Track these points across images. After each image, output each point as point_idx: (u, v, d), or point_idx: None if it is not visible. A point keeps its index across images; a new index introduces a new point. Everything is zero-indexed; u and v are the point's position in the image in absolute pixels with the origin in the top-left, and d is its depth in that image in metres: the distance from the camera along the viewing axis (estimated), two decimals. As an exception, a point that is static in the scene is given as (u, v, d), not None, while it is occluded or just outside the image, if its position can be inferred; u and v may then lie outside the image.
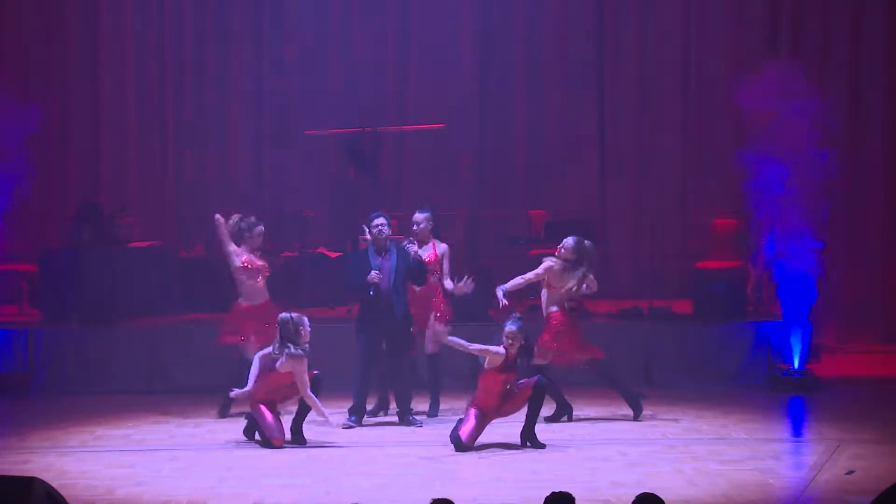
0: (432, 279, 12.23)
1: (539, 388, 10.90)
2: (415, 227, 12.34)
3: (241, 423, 11.91)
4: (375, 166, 15.60)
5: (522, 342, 10.86)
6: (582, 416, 12.27)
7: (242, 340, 12.03)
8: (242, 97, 17.53)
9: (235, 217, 12.35)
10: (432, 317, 12.23)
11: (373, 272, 11.72)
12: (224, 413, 12.26)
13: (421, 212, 12.39)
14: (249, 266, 12.19)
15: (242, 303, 12.19)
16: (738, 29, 17.11)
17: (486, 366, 10.83)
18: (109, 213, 15.69)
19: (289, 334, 11.05)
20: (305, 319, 11.17)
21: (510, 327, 10.84)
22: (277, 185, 17.57)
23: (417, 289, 12.14)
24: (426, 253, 12.24)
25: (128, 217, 16.06)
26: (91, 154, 17.29)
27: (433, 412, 12.29)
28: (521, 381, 10.96)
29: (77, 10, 17.21)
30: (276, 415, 11.12)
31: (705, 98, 17.24)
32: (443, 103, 17.31)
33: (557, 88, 17.49)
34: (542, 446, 10.84)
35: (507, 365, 10.82)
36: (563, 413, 12.08)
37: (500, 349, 10.81)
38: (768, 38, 17.01)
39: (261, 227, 12.33)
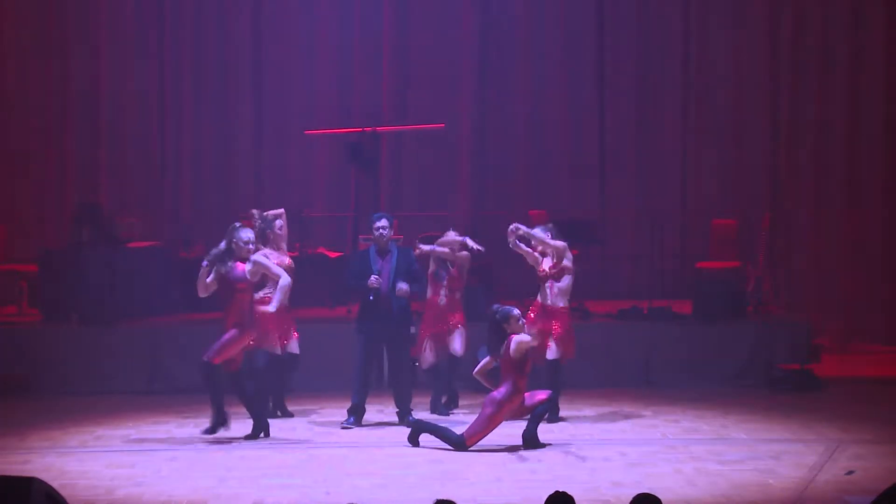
0: (455, 294, 12.40)
1: (552, 400, 11.01)
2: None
3: (242, 423, 11.93)
4: (375, 166, 15.59)
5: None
6: (582, 416, 12.26)
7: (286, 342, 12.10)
8: (242, 97, 17.52)
9: (256, 213, 12.35)
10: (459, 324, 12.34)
11: (373, 277, 11.71)
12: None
13: (454, 229, 12.50)
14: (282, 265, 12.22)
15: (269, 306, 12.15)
16: (739, 28, 17.11)
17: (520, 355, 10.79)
18: (109, 213, 15.68)
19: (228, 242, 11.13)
20: (245, 235, 11.15)
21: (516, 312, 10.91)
22: (277, 185, 17.57)
23: (441, 300, 12.28)
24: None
25: (128, 217, 16.06)
26: (91, 154, 17.28)
27: (443, 411, 12.28)
28: (537, 392, 11.00)
29: (77, 10, 17.20)
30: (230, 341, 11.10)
31: (705, 98, 17.24)
32: (443, 103, 17.31)
33: (557, 88, 17.47)
34: (543, 446, 10.84)
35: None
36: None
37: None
38: (768, 38, 17.01)
39: (280, 221, 12.31)
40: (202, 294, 11.25)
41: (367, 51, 17.54)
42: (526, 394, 10.88)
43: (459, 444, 10.75)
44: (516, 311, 10.89)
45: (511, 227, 11.92)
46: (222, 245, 11.15)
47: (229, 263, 11.11)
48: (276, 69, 17.52)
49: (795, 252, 16.45)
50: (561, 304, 11.92)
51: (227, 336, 11.15)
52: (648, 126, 17.42)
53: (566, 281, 11.92)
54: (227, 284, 11.12)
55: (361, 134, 15.47)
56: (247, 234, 11.20)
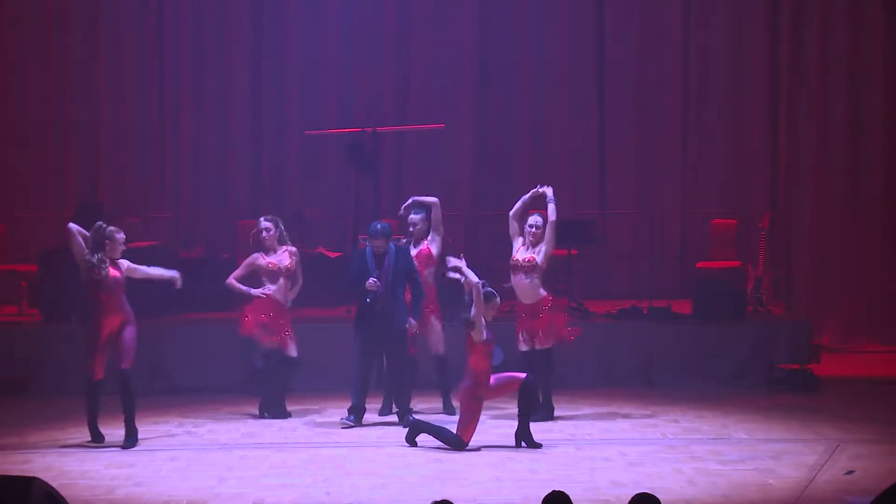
0: (427, 278, 12.28)
1: (529, 386, 10.89)
2: (411, 229, 12.37)
3: (242, 423, 11.96)
4: (375, 166, 15.59)
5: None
6: (582, 416, 12.25)
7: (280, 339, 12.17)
8: (242, 97, 17.52)
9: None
10: (432, 316, 12.32)
11: (371, 280, 11.70)
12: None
13: (416, 213, 12.41)
14: (273, 267, 12.22)
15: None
16: (739, 29, 17.11)
17: (474, 337, 10.73)
18: (109, 213, 15.67)
19: (99, 242, 10.97)
20: (120, 236, 11.04)
21: (495, 298, 10.81)
22: (277, 185, 17.57)
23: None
24: (419, 249, 12.30)
25: (128, 217, 16.06)
26: (91, 154, 17.29)
27: (450, 410, 12.29)
28: (509, 372, 11.00)
29: (76, 10, 17.21)
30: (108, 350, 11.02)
31: (705, 98, 17.24)
32: (443, 103, 17.31)
33: (557, 88, 17.48)
34: (539, 446, 10.83)
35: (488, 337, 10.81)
36: (545, 413, 12.00)
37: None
38: (768, 38, 17.01)
39: (263, 224, 12.32)
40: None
41: (367, 50, 17.54)
42: (496, 375, 10.88)
43: (457, 442, 10.76)
44: (495, 301, 10.82)
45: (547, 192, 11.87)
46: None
47: (105, 264, 10.99)
48: (277, 69, 17.52)
49: (795, 252, 16.45)
50: (529, 303, 11.85)
51: (130, 337, 11.05)
52: (648, 126, 17.42)
53: (534, 278, 11.86)
54: (105, 285, 10.99)
55: (361, 134, 15.47)
56: (121, 233, 11.12)
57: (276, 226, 12.31)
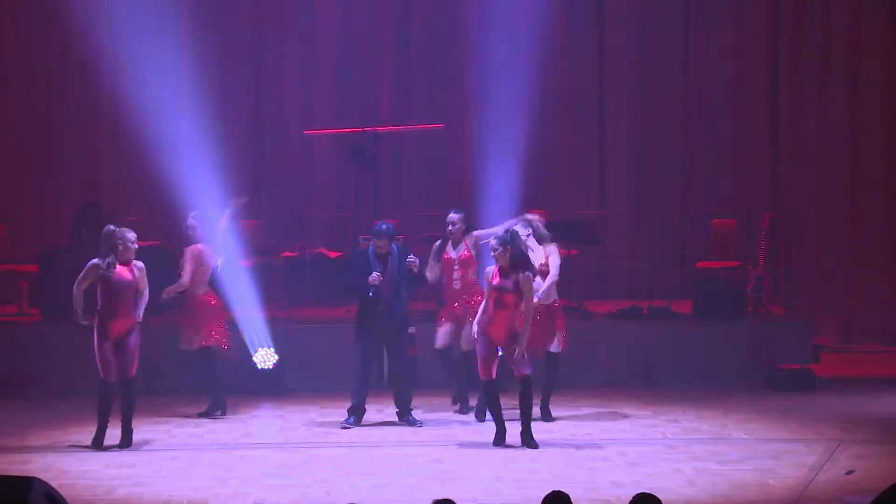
0: (469, 276, 12.28)
1: (527, 383, 10.88)
2: (450, 228, 12.33)
3: (242, 423, 11.95)
4: (375, 166, 15.58)
5: (511, 249, 10.85)
6: (582, 416, 12.25)
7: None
8: (242, 96, 17.51)
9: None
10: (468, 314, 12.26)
11: (374, 274, 11.70)
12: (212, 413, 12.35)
13: (456, 212, 12.40)
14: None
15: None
16: (739, 28, 17.11)
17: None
18: (109, 213, 15.67)
19: (112, 245, 10.92)
20: (131, 235, 10.99)
21: (492, 242, 10.90)
22: (277, 185, 17.56)
23: (456, 285, 12.22)
24: (460, 251, 12.26)
25: (128, 217, 16.05)
26: (90, 154, 17.28)
27: (464, 409, 12.27)
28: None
29: (77, 9, 17.19)
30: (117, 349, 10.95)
31: (705, 98, 17.24)
32: (443, 103, 17.30)
33: (557, 88, 17.47)
34: (537, 446, 10.82)
35: (504, 273, 10.85)
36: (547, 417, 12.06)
37: (489, 270, 10.93)
38: (769, 38, 17.02)
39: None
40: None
41: (367, 50, 17.53)
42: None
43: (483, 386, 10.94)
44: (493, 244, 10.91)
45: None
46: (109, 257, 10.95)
47: (113, 267, 10.94)
48: (276, 68, 17.51)
49: (795, 252, 16.45)
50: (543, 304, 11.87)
51: (134, 344, 11.01)
52: (648, 126, 17.41)
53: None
54: (115, 288, 10.96)
55: (361, 134, 15.46)
56: (132, 233, 11.08)
57: (202, 225, 12.43)
